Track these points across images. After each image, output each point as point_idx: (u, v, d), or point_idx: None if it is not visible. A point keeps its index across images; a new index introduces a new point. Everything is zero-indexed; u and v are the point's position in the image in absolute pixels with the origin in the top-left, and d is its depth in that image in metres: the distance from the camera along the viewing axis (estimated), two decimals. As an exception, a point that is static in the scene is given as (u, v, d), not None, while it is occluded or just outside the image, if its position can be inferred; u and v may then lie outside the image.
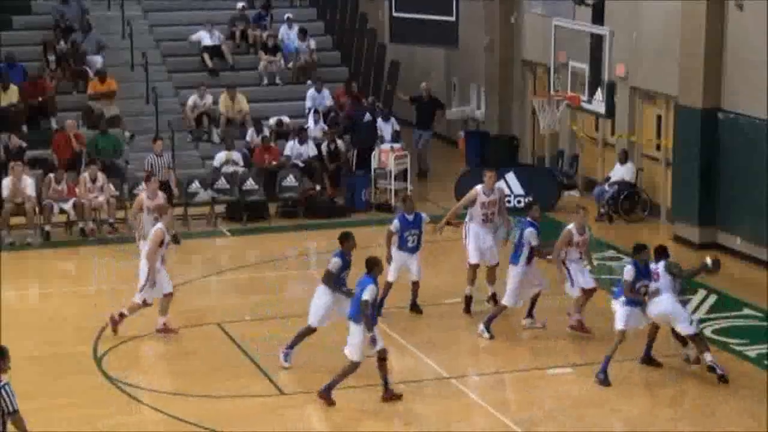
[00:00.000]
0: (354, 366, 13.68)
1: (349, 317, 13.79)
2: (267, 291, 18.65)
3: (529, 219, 16.14)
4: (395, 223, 16.73)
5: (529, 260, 15.92)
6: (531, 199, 21.50)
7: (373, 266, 13.72)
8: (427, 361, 15.31)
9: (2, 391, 10.08)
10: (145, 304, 15.92)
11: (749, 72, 19.42)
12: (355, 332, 13.61)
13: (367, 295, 13.44)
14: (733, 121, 19.95)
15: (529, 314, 16.43)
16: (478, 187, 17.02)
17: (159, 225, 16.03)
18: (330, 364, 15.16)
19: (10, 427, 10.28)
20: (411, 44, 26.82)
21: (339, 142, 24.29)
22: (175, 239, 20.93)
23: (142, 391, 14.37)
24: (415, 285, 17.06)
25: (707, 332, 16.36)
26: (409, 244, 16.74)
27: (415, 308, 17.16)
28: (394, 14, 25.07)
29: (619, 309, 14.51)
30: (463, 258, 17.33)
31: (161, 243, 15.84)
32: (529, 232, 15.84)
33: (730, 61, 20.04)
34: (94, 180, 21.55)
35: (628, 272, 14.36)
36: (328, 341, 15.88)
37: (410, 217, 16.77)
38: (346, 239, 14.68)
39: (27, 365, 15.10)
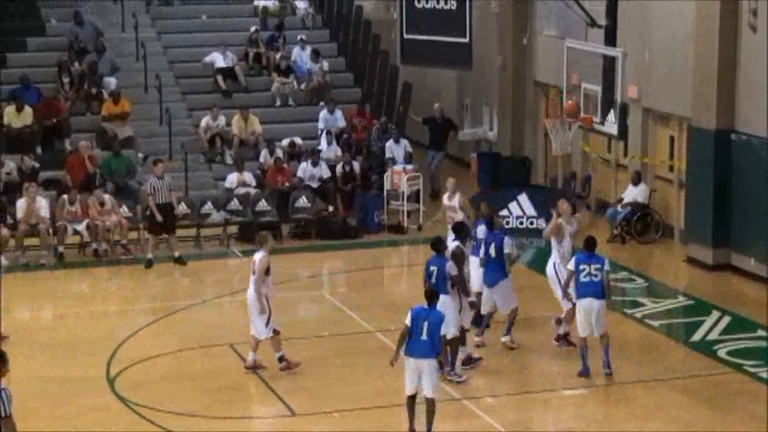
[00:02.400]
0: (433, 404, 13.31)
1: (424, 355, 13.12)
2: (279, 312, 18.56)
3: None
4: (481, 230, 16.66)
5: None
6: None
7: (434, 297, 13.48)
8: (439, 382, 15.23)
9: (1, 395, 10.14)
10: (275, 332, 15.46)
11: (762, 93, 19.39)
12: (432, 369, 13.19)
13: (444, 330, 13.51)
14: (747, 142, 19.92)
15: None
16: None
17: (263, 253, 15.51)
18: (341, 385, 15.16)
19: None
20: (423, 65, 26.87)
21: (354, 163, 24.32)
22: (181, 261, 21.04)
23: (154, 412, 14.35)
24: None
25: (721, 353, 16.33)
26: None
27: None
28: (405, 36, 25.15)
29: None
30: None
31: (267, 271, 15.44)
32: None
33: (743, 83, 20.03)
34: (102, 204, 21.61)
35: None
36: (339, 363, 15.88)
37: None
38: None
39: (39, 385, 15.11)
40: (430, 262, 15.12)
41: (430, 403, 13.19)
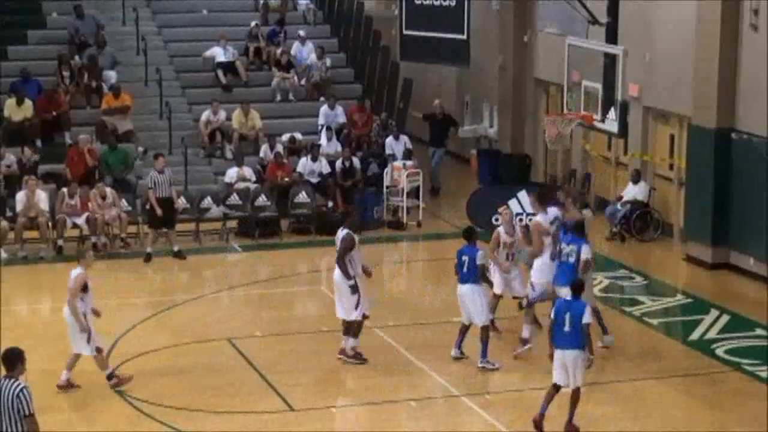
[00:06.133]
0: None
1: (570, 346, 13.22)
2: (278, 307, 18.66)
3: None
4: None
5: None
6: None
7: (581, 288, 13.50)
8: (437, 379, 15.27)
9: (21, 393, 10.17)
10: (98, 351, 15.04)
11: (763, 92, 19.39)
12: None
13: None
14: (747, 141, 19.93)
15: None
16: None
17: (80, 270, 15.11)
18: (340, 381, 15.18)
19: None
20: (422, 62, 26.84)
21: (354, 159, 24.31)
22: (180, 255, 21.03)
23: (151, 406, 14.36)
24: None
25: (719, 352, 16.34)
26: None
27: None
28: (405, 32, 25.12)
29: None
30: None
31: (85, 287, 14.97)
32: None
33: (744, 82, 20.03)
34: (103, 197, 21.62)
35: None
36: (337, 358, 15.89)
37: None
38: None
39: (38, 379, 15.10)
40: (461, 251, 15.48)
41: (575, 393, 13.41)
